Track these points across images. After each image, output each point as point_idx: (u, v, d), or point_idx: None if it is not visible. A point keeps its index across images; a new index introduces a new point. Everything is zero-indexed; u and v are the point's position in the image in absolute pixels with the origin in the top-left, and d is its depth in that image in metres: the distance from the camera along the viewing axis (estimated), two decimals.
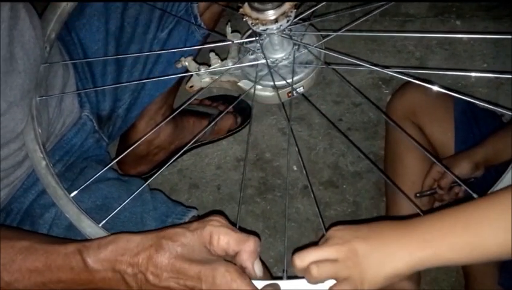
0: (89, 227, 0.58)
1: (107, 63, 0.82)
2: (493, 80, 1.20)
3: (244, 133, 1.23)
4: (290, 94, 0.70)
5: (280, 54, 0.71)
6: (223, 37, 0.77)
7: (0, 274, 0.49)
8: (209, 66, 0.75)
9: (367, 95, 1.22)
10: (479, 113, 0.91)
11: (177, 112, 0.74)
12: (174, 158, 0.80)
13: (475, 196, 0.54)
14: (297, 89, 0.71)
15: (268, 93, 0.72)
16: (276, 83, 0.70)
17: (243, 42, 0.74)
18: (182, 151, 1.14)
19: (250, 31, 0.73)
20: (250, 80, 0.72)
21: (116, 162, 1.04)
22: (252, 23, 0.65)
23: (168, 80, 0.88)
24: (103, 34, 0.81)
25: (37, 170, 0.63)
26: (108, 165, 0.69)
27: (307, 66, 0.70)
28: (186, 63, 0.76)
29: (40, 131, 0.65)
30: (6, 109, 0.61)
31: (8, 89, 0.61)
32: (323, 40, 0.72)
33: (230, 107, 1.15)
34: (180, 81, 0.97)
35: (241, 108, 1.21)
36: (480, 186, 0.59)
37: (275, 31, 0.65)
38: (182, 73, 0.80)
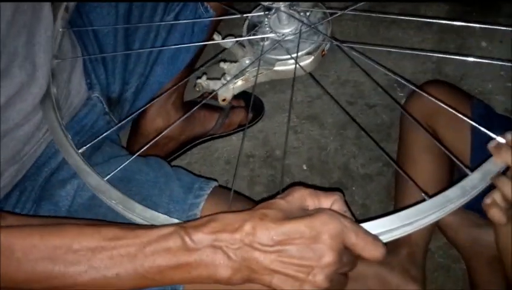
0: (95, 181, 0.59)
1: (117, 45, 0.82)
2: (511, 87, 1.18)
3: (255, 130, 1.21)
4: (324, 53, 0.71)
5: (287, 29, 0.72)
6: (234, 14, 0.77)
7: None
8: (224, 73, 0.76)
9: (381, 96, 1.20)
10: (496, 119, 0.89)
11: (197, 107, 0.74)
12: (185, 149, 0.80)
13: None
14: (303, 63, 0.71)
15: (290, 66, 0.72)
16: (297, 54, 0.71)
17: (251, 16, 0.75)
18: (192, 144, 1.15)
19: (259, 7, 0.74)
20: (283, 60, 0.72)
21: (129, 148, 1.05)
22: None
23: (177, 67, 0.88)
24: (113, 18, 0.82)
25: (49, 128, 0.64)
26: (133, 155, 0.69)
27: (313, 41, 0.71)
28: (205, 83, 0.77)
29: (55, 90, 0.67)
30: (26, 82, 0.61)
31: (28, 63, 0.62)
32: (330, 18, 0.72)
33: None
34: (189, 70, 0.96)
35: (253, 103, 1.20)
36: None
37: (282, 6, 0.66)
38: (202, 43, 0.82)
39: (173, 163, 1.16)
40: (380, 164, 1.13)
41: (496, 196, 0.56)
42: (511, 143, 0.54)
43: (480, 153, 0.86)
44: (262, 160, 1.17)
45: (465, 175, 0.55)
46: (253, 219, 0.46)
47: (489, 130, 0.87)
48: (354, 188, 1.11)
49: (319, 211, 0.47)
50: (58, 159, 0.70)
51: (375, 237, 0.48)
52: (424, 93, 0.68)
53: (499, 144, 0.55)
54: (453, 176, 0.93)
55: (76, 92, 0.78)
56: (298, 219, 0.46)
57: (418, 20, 1.31)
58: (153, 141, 0.74)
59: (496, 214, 0.55)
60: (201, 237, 0.46)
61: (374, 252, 0.47)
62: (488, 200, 0.56)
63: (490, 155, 0.78)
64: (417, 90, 0.73)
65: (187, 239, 0.46)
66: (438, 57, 1.27)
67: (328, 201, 0.49)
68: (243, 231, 0.46)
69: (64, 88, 0.74)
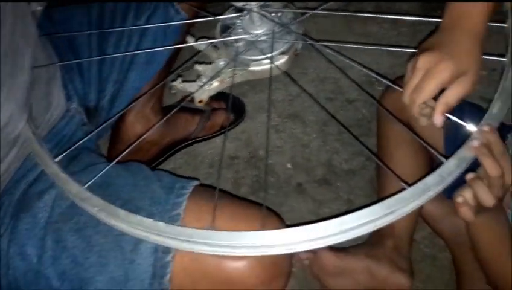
0: (75, 189, 0.59)
1: (91, 54, 0.82)
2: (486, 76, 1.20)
3: (237, 131, 1.22)
4: (297, 53, 0.72)
5: (260, 30, 0.72)
6: (207, 16, 0.78)
7: None
8: (199, 75, 0.77)
9: (360, 92, 1.21)
10: (466, 108, 0.90)
11: (176, 109, 0.74)
12: (168, 154, 0.80)
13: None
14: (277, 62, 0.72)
15: (265, 66, 0.73)
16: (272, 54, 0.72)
17: (224, 18, 0.76)
18: (174, 149, 1.15)
19: (231, 9, 0.75)
20: (259, 60, 0.73)
21: (109, 157, 1.04)
22: None
23: (152, 71, 0.88)
24: (86, 26, 0.82)
25: (24, 138, 0.63)
26: (111, 161, 0.69)
27: (286, 40, 0.72)
28: (180, 86, 0.77)
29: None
30: (16, 110, 0.61)
31: (16, 89, 0.61)
32: (302, 18, 0.73)
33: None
34: (166, 73, 0.96)
35: (234, 105, 1.21)
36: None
37: (254, 7, 0.66)
38: (176, 46, 0.82)
39: (157, 169, 1.16)
40: (363, 158, 1.14)
41: (467, 194, 0.57)
42: (484, 136, 0.56)
43: (453, 141, 0.89)
44: (246, 161, 1.18)
45: (442, 164, 0.56)
46: None
47: (460, 119, 0.89)
48: (338, 183, 1.12)
49: None
50: (36, 172, 0.69)
51: None
52: (397, 87, 0.69)
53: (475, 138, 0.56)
54: (430, 167, 0.94)
55: (56, 104, 0.78)
56: None
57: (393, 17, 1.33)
58: (133, 146, 0.74)
59: (467, 213, 0.57)
60: None
61: None
62: (459, 199, 0.57)
63: (463, 143, 0.80)
64: (391, 84, 0.74)
65: None
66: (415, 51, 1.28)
67: None
68: None
69: (43, 100, 0.74)
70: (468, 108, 0.87)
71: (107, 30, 0.84)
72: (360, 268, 0.91)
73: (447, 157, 0.55)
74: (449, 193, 0.59)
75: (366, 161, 1.14)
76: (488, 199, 0.56)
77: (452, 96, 0.58)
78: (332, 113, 1.22)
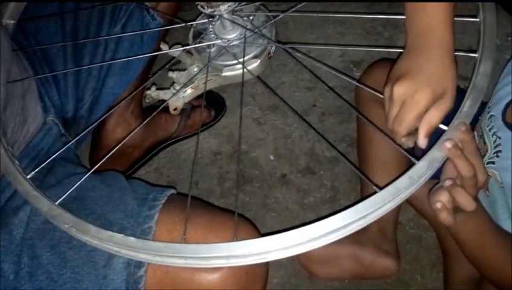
0: (46, 206, 0.58)
1: (67, 64, 0.82)
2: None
3: (219, 126, 1.22)
4: (270, 56, 0.72)
5: (233, 35, 0.72)
6: (181, 23, 0.78)
7: None
8: (173, 82, 0.77)
9: (339, 78, 1.22)
10: None
11: (155, 113, 0.73)
12: (150, 155, 0.79)
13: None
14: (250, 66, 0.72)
15: (238, 71, 0.72)
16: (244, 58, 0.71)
17: (196, 24, 0.75)
18: (157, 150, 1.15)
19: (202, 15, 0.74)
20: (232, 65, 0.73)
21: (91, 163, 1.04)
22: (201, 6, 0.66)
23: (130, 77, 0.88)
24: (60, 36, 0.81)
25: None
26: (89, 171, 0.68)
27: (258, 44, 0.71)
28: (154, 94, 0.77)
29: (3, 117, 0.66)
30: None
31: None
32: (273, 20, 0.73)
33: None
34: (144, 77, 0.96)
35: (214, 101, 1.21)
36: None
37: (223, 12, 0.66)
38: (149, 54, 0.81)
39: (141, 170, 1.16)
40: (344, 144, 1.15)
41: (444, 198, 0.57)
42: (457, 136, 0.55)
43: None
44: (229, 156, 1.18)
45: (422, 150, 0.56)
46: None
47: None
48: (322, 171, 1.13)
49: None
50: (13, 188, 0.69)
51: None
52: (361, 86, 0.69)
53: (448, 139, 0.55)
54: (413, 149, 0.95)
55: (33, 118, 0.77)
56: None
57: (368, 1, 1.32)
58: (113, 151, 0.73)
59: (447, 218, 0.57)
60: None
61: None
62: (438, 205, 0.57)
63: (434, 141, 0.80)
64: (357, 84, 0.74)
65: None
66: (390, 33, 1.29)
67: None
68: None
69: (18, 114, 0.73)
70: None
71: (82, 41, 0.83)
72: (346, 254, 0.92)
73: (417, 158, 0.55)
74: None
75: (347, 147, 1.14)
76: (469, 204, 0.56)
77: (434, 118, 0.57)
78: (312, 102, 1.22)
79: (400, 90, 0.59)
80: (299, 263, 0.98)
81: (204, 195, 1.13)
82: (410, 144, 0.61)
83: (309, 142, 1.17)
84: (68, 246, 0.63)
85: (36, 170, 0.63)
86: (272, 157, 1.17)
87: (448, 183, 0.56)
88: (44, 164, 0.66)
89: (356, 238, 0.92)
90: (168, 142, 1.16)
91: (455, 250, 0.90)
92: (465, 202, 0.56)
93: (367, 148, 0.96)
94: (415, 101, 0.57)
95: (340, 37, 1.30)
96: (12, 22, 0.77)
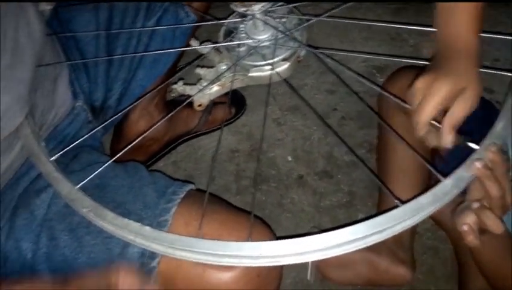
0: (66, 189, 0.60)
1: (99, 53, 0.82)
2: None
3: (238, 124, 1.22)
4: (299, 59, 0.71)
5: (263, 35, 0.72)
6: (213, 20, 0.77)
7: None
8: (200, 79, 0.76)
9: (361, 83, 1.21)
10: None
11: (179, 108, 0.73)
12: (169, 148, 0.79)
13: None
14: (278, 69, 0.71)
15: (266, 72, 0.72)
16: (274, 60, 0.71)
17: (228, 22, 0.75)
18: (176, 143, 1.15)
19: (235, 13, 0.74)
20: (260, 66, 0.72)
21: (112, 153, 1.04)
22: (235, 5, 0.66)
23: (159, 70, 0.88)
24: (94, 26, 0.81)
25: (22, 137, 0.63)
26: (109, 160, 0.69)
27: (289, 47, 0.71)
28: (181, 88, 0.77)
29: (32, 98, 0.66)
30: (13, 104, 0.61)
31: (16, 83, 0.61)
32: (305, 24, 0.72)
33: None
34: (171, 72, 0.96)
35: (234, 98, 1.21)
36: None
37: (256, 12, 0.66)
38: (179, 48, 0.81)
39: (159, 163, 1.16)
40: (363, 150, 1.14)
41: (470, 220, 0.56)
42: (488, 157, 0.54)
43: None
44: (247, 154, 1.18)
45: (443, 159, 0.55)
46: None
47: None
48: (339, 176, 1.12)
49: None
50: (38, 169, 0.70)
51: None
52: (383, 93, 0.69)
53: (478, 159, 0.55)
54: (433, 158, 0.94)
55: (62, 102, 0.78)
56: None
57: (394, 7, 1.32)
58: (134, 143, 0.74)
59: (474, 241, 0.56)
60: None
61: None
62: (465, 227, 0.56)
63: (462, 132, 0.79)
64: (380, 88, 0.73)
65: None
66: (415, 40, 1.28)
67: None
68: None
69: (48, 97, 0.74)
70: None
71: (116, 31, 0.84)
72: (361, 260, 0.92)
73: (444, 174, 0.54)
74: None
75: (366, 153, 1.14)
76: (497, 227, 0.55)
77: (457, 113, 0.57)
78: (332, 105, 1.22)
79: (419, 82, 0.60)
80: (314, 266, 0.98)
81: (220, 191, 1.13)
82: (433, 142, 0.61)
83: (328, 146, 1.17)
84: (86, 231, 0.63)
85: (60, 153, 0.64)
86: (289, 158, 1.16)
87: (475, 205, 0.56)
88: (69, 147, 0.67)
89: (372, 244, 0.91)
90: (188, 137, 1.16)
91: (472, 264, 0.89)
92: (493, 225, 0.55)
93: (387, 155, 0.96)
94: (434, 89, 0.58)
95: (364, 42, 1.30)
96: (49, 7, 0.78)
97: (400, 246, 0.92)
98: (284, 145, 1.18)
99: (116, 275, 0.51)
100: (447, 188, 0.52)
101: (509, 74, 0.61)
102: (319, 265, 0.96)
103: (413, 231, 0.96)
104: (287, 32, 0.72)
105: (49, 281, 0.51)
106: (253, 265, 0.53)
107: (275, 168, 1.15)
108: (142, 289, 0.51)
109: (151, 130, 0.87)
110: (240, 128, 1.21)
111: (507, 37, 0.65)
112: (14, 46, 0.61)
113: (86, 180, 0.61)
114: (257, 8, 0.67)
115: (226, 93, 0.80)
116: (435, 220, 0.98)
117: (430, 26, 0.65)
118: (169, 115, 0.79)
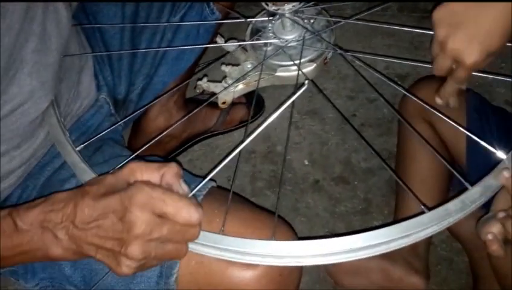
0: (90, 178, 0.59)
1: (123, 47, 0.83)
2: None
3: (255, 126, 1.21)
4: (326, 61, 0.70)
5: (291, 36, 0.71)
6: (238, 18, 0.77)
7: None
8: (225, 76, 0.76)
9: (382, 90, 1.20)
10: (491, 112, 0.89)
11: (204, 104, 0.73)
12: (186, 146, 0.79)
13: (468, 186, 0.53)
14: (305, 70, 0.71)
15: (292, 72, 0.71)
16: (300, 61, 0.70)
17: (255, 21, 0.75)
18: (193, 141, 1.16)
19: (262, 12, 0.73)
20: (287, 66, 0.72)
21: (129, 148, 1.05)
22: (266, 3, 0.65)
23: (181, 67, 0.88)
24: (120, 19, 0.82)
25: (49, 125, 0.64)
26: (132, 154, 0.69)
27: (316, 48, 0.70)
28: (205, 85, 0.77)
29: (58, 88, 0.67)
30: (38, 89, 0.61)
31: (42, 68, 0.61)
32: (333, 26, 0.72)
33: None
34: (192, 70, 0.97)
35: (254, 99, 1.21)
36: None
37: (286, 12, 0.65)
38: (206, 45, 0.81)
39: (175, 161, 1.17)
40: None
41: (496, 230, 0.55)
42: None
43: (474, 143, 0.87)
44: (263, 156, 1.18)
45: (461, 172, 0.54)
46: (77, 197, 0.48)
47: (484, 122, 0.87)
48: (356, 182, 1.12)
49: (131, 185, 0.48)
50: (62, 159, 0.70)
51: (188, 202, 0.47)
52: (410, 96, 0.68)
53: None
54: (452, 168, 0.93)
55: (86, 93, 0.78)
56: (113, 194, 0.47)
57: (417, 15, 1.31)
58: (155, 140, 0.74)
59: (498, 251, 0.56)
60: (31, 218, 0.48)
61: (187, 216, 0.46)
62: (489, 237, 0.56)
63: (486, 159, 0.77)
64: (406, 92, 0.73)
65: (18, 221, 0.48)
66: None
67: (157, 174, 0.49)
68: (66, 210, 0.47)
69: (73, 88, 0.75)
70: (492, 112, 0.86)
71: (141, 24, 0.84)
72: (375, 268, 0.91)
73: (471, 183, 0.53)
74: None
75: (382, 160, 1.13)
76: None
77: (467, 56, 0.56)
78: (352, 111, 1.21)
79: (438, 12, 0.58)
80: (325, 271, 0.97)
81: (235, 191, 1.13)
82: (451, 102, 0.59)
83: (345, 152, 1.16)
84: None
85: (85, 144, 0.64)
86: (306, 162, 1.16)
87: (501, 215, 0.55)
88: (94, 139, 0.67)
89: (387, 253, 0.90)
90: (205, 136, 1.17)
91: (487, 277, 0.88)
92: None
93: (406, 164, 0.95)
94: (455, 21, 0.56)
95: (387, 49, 1.29)
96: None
97: (414, 256, 0.91)
98: (301, 149, 1.18)
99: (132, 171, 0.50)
100: (475, 196, 0.52)
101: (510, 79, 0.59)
102: (331, 271, 0.96)
103: (428, 240, 0.94)
104: (316, 33, 0.71)
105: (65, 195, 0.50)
106: (277, 264, 0.52)
107: (292, 171, 1.15)
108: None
109: (171, 128, 0.87)
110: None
111: None
112: (41, 31, 0.62)
113: (110, 171, 0.61)
114: (288, 7, 0.66)
115: (248, 93, 0.80)
116: (451, 231, 0.97)
117: None
118: (192, 113, 0.78)
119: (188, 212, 0.46)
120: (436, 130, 0.92)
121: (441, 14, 0.58)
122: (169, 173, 0.49)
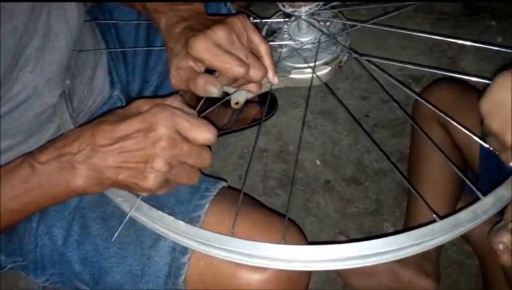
0: None
1: (138, 44, 0.83)
2: None
3: (268, 124, 1.22)
4: (341, 65, 0.70)
5: (306, 38, 0.71)
6: (254, 18, 0.76)
7: None
8: None
9: (396, 92, 1.19)
10: None
11: (218, 104, 0.73)
12: None
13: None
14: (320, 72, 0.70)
15: (306, 75, 0.71)
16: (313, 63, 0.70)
17: (271, 22, 0.74)
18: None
19: (278, 13, 0.73)
20: (301, 68, 0.72)
21: None
22: (283, 5, 0.65)
23: None
24: (135, 16, 0.82)
25: (61, 121, 0.64)
26: None
27: (331, 51, 0.70)
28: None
29: (68, 82, 0.68)
30: (43, 85, 0.62)
31: (46, 65, 0.62)
32: (350, 30, 0.71)
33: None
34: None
35: (266, 99, 1.21)
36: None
37: (303, 14, 0.65)
38: None
39: None
40: (394, 159, 1.13)
41: (507, 240, 0.55)
42: None
43: (489, 156, 0.86)
44: (275, 155, 1.18)
45: (475, 174, 0.54)
46: (92, 126, 0.49)
47: None
48: (367, 183, 1.11)
49: (151, 107, 0.50)
50: None
51: (206, 122, 0.50)
52: (422, 101, 0.67)
53: None
54: (465, 172, 0.93)
55: (100, 89, 0.79)
56: (133, 117, 0.48)
57: (433, 17, 1.30)
58: None
59: (509, 260, 0.55)
60: (46, 156, 0.49)
61: (205, 134, 0.49)
62: (500, 247, 0.55)
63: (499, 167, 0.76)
64: (418, 97, 0.72)
65: (34, 163, 0.49)
66: (453, 52, 1.26)
67: (165, 103, 0.51)
68: (83, 139, 0.48)
69: (87, 85, 0.75)
70: None
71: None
72: (385, 270, 0.91)
73: (483, 192, 0.53)
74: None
75: (397, 162, 1.12)
76: None
77: None
78: (365, 112, 1.21)
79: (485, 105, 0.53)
80: (335, 272, 0.97)
81: (246, 191, 1.13)
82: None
83: (357, 152, 1.16)
84: (118, 221, 0.64)
85: None
86: (318, 162, 1.16)
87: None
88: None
89: None
90: (218, 133, 1.17)
91: (498, 280, 0.88)
92: None
93: (419, 167, 0.94)
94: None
95: (402, 51, 1.29)
96: None
97: (425, 259, 0.91)
98: (313, 149, 1.18)
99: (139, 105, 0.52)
100: (487, 206, 0.51)
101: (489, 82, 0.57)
102: (341, 272, 0.96)
103: None
104: (332, 36, 0.71)
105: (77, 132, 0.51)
106: (287, 268, 0.52)
107: (303, 171, 1.15)
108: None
109: None
110: (270, 129, 1.21)
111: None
112: (46, 29, 0.62)
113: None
114: (305, 9, 0.66)
115: (262, 93, 0.80)
116: (462, 235, 0.97)
117: (470, 40, 0.63)
118: (205, 113, 0.78)
119: (206, 130, 0.49)
120: (450, 133, 0.91)
121: (488, 106, 0.55)
122: (177, 102, 0.52)
